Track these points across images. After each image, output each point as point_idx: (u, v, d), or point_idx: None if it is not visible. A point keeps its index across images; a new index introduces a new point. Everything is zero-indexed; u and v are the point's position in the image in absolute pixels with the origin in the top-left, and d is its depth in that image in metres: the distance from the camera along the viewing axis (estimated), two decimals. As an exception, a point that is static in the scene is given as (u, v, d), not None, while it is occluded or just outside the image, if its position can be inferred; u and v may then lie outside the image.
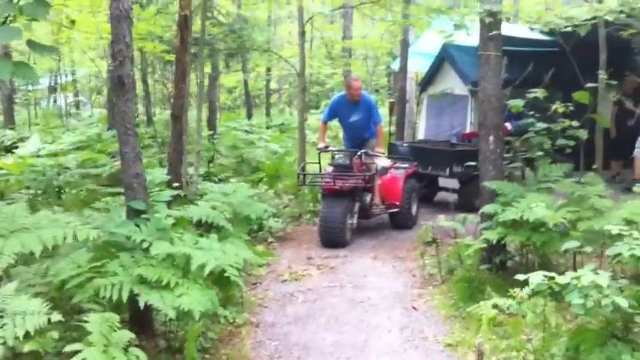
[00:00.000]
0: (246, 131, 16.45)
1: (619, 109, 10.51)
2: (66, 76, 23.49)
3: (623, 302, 3.68)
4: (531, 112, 6.81)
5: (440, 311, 5.69)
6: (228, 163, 12.42)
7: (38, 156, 10.39)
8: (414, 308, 5.82)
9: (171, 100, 8.24)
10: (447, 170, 9.69)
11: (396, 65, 16.19)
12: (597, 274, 3.81)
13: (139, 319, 4.54)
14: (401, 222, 8.81)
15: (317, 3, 22.75)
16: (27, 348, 3.05)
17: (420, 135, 14.35)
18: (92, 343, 3.08)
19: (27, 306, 3.12)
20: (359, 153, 8.19)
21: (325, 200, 8.01)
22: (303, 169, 8.96)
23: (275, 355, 4.83)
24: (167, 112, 16.73)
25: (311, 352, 4.87)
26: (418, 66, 14.77)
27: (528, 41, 11.21)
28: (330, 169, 8.24)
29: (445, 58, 13.21)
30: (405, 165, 9.32)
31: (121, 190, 7.10)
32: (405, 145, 11.24)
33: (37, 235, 3.58)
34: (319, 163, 8.68)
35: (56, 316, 3.06)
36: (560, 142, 6.47)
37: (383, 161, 8.62)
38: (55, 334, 3.19)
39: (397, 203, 8.64)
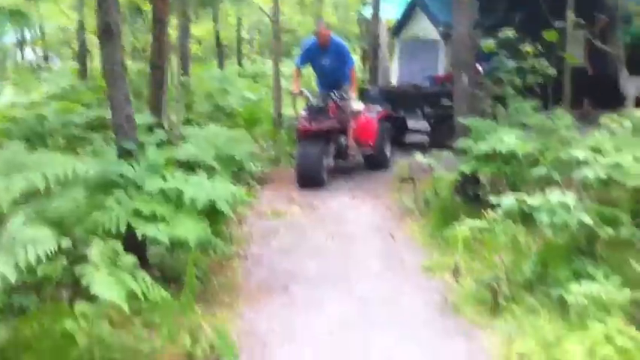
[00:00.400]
0: (219, 79, 16.47)
1: (590, 48, 10.80)
2: (34, 30, 23.05)
3: (587, 219, 4.01)
4: (502, 52, 7.05)
5: (417, 239, 6.03)
6: (204, 110, 12.53)
7: (14, 107, 10.41)
8: (392, 237, 6.14)
9: (149, 49, 8.30)
10: (419, 112, 10.03)
11: (367, 12, 16.28)
12: (564, 195, 4.12)
13: (133, 251, 4.75)
14: (376, 163, 9.06)
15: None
16: (40, 272, 3.27)
17: (394, 80, 14.57)
18: (99, 267, 3.31)
19: (37, 234, 3.32)
20: (333, 96, 8.39)
21: (301, 142, 8.20)
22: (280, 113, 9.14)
23: (264, 282, 5.12)
24: (138, 63, 16.66)
25: (297, 278, 5.17)
26: (390, 12, 14.88)
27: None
28: (304, 112, 8.42)
29: (416, 2, 13.36)
30: (378, 108, 9.50)
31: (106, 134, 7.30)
32: (375, 89, 11.38)
33: (41, 172, 3.76)
34: (294, 107, 8.88)
35: (67, 242, 3.28)
36: (530, 79, 6.73)
37: (356, 104, 8.79)
38: (64, 260, 3.41)
39: (371, 144, 8.85)
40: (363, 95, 10.69)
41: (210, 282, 5.01)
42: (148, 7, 9.63)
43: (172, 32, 12.39)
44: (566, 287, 3.91)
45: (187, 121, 10.24)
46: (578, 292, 3.63)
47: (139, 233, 4.12)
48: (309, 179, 8.02)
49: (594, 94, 10.52)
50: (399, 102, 10.14)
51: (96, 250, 3.45)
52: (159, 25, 7.85)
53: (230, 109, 13.15)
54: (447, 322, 4.35)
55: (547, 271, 4.43)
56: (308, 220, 6.74)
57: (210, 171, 5.35)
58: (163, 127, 7.47)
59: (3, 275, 3.11)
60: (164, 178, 4.57)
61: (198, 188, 4.54)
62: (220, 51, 21.75)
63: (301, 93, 8.75)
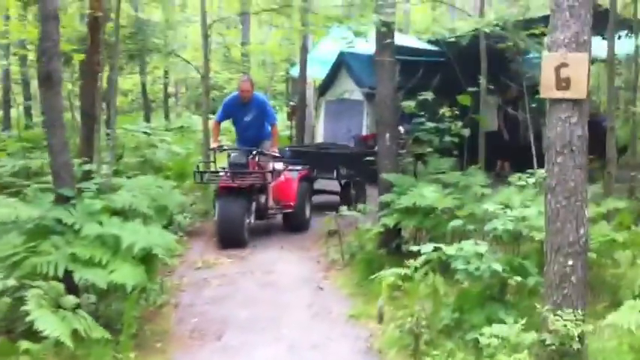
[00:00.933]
0: (146, 133, 16.52)
1: (505, 114, 11.62)
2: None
3: (498, 267, 4.41)
4: (422, 113, 7.58)
5: (343, 290, 6.30)
6: (132, 163, 12.56)
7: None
8: (320, 288, 6.39)
9: (79, 99, 8.44)
10: (334, 173, 9.90)
11: (294, 71, 16.83)
12: (477, 244, 4.52)
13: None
14: (295, 223, 8.79)
15: (215, 8, 23.09)
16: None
17: (319, 138, 15.01)
18: (43, 306, 3.43)
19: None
20: (254, 152, 8.20)
21: (222, 199, 7.90)
22: (199, 167, 8.51)
23: (196, 329, 5.26)
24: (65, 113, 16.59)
25: (229, 325, 5.34)
26: (316, 72, 15.41)
27: (418, 50, 12.15)
28: (224, 168, 8.20)
29: (342, 64, 13.94)
30: (298, 167, 9.23)
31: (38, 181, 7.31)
32: (289, 149, 10.89)
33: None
34: (214, 162, 8.52)
35: (11, 281, 3.39)
36: (447, 139, 7.26)
37: (277, 163, 8.70)
38: (8, 300, 3.50)
39: (292, 204, 8.62)
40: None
41: (142, 329, 5.10)
42: (79, 58, 9.72)
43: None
44: (480, 331, 4.25)
45: (116, 172, 10.28)
46: (489, 333, 3.97)
47: (77, 277, 4.24)
48: (231, 239, 7.78)
49: (508, 157, 11.27)
50: (311, 162, 9.71)
51: (38, 290, 3.56)
52: (91, 75, 8.04)
53: (158, 162, 13.23)
54: (372, 364, 4.62)
55: (463, 317, 4.78)
56: (238, 271, 6.92)
57: (144, 219, 5.50)
58: (93, 176, 7.55)
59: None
60: (101, 224, 4.71)
61: (135, 234, 4.70)
62: (147, 104, 21.83)
63: (220, 148, 8.61)
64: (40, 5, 4.84)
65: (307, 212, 9.04)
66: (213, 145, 8.63)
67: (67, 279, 4.32)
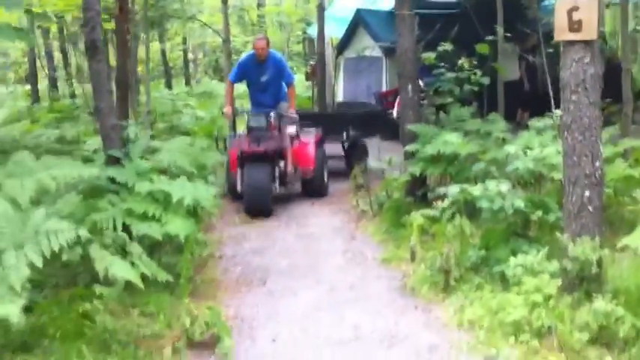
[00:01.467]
0: (171, 100, 16.94)
1: (526, 63, 11.77)
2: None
3: (521, 203, 4.74)
4: (442, 64, 7.83)
5: (374, 237, 6.68)
6: (161, 127, 12.98)
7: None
8: (352, 237, 6.78)
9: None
10: (345, 135, 9.71)
11: (312, 31, 16.99)
12: (500, 183, 4.85)
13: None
14: (315, 189, 8.50)
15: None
16: (64, 257, 3.77)
17: (339, 97, 15.26)
18: (113, 253, 3.85)
19: (58, 226, 3.83)
20: (272, 114, 7.86)
21: (246, 167, 7.58)
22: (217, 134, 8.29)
23: (241, 277, 5.69)
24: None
25: (271, 273, 5.75)
26: (333, 30, 15.58)
27: (435, 3, 12.29)
28: (241, 134, 8.01)
29: (359, 21, 14.10)
30: (313, 130, 8.88)
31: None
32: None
33: (49, 174, 4.26)
34: (234, 127, 8.33)
35: (83, 232, 3.78)
36: (467, 88, 7.52)
37: (294, 126, 8.35)
38: (80, 250, 3.91)
39: (311, 168, 8.29)
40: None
41: (192, 279, 5.52)
42: (109, 27, 10.04)
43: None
44: (506, 264, 4.60)
45: (150, 137, 10.69)
46: (514, 264, 4.32)
47: (134, 230, 4.63)
48: (260, 208, 7.55)
49: (529, 107, 11.45)
50: (323, 126, 9.27)
51: (109, 239, 3.97)
52: (122, 43, 8.39)
53: (185, 127, 13.63)
54: (407, 300, 4.99)
55: (489, 253, 5.12)
56: (274, 225, 7.32)
57: (188, 177, 5.87)
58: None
59: (31, 262, 3.63)
60: (151, 181, 5.09)
61: (183, 190, 5.07)
62: (168, 71, 22.20)
63: (235, 113, 8.29)
64: (81, -22, 5.17)
65: (325, 178, 8.71)
66: (226, 109, 8.13)
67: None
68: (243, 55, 8.56)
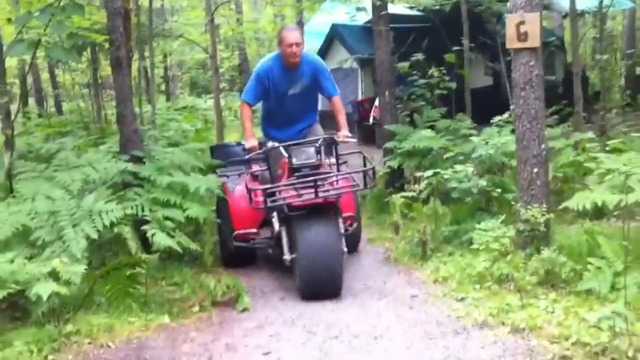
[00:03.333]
0: (157, 114, 17.72)
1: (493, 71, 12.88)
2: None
3: (484, 182, 5.71)
4: (415, 72, 8.85)
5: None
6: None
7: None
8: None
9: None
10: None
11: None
12: (467, 167, 5.82)
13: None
14: (354, 241, 6.25)
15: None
16: (115, 231, 4.65)
17: (319, 106, 16.15)
18: (156, 227, 4.74)
19: (107, 206, 4.70)
20: (321, 141, 5.44)
21: (300, 226, 5.07)
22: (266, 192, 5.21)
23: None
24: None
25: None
26: (311, 44, 16.54)
27: (408, 18, 13.34)
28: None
29: (334, 36, 15.12)
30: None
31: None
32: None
33: (93, 168, 5.13)
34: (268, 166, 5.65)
35: (130, 210, 4.65)
36: (437, 92, 8.54)
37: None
38: (127, 228, 4.79)
39: (354, 216, 6.00)
40: (217, 155, 7.25)
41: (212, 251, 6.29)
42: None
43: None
44: (473, 232, 5.53)
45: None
46: (478, 228, 5.25)
47: (160, 215, 5.49)
48: (329, 289, 5.08)
49: (492, 108, 12.51)
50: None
51: (153, 215, 4.85)
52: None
53: (173, 140, 14.46)
54: (391, 267, 5.94)
55: (459, 227, 6.08)
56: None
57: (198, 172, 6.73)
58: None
59: (87, 234, 4.51)
60: (171, 175, 5.95)
61: (197, 182, 5.92)
62: (150, 87, 22.93)
63: (263, 147, 5.62)
64: (108, 3, 6.03)
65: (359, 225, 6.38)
66: (249, 142, 5.64)
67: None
68: (262, 62, 5.81)
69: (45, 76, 20.06)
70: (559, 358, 3.57)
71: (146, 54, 16.97)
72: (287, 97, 5.70)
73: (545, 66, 12.17)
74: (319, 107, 6.32)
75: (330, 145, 5.68)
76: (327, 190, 5.17)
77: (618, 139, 6.22)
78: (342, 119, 5.73)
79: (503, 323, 4.12)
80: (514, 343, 3.83)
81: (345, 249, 5.21)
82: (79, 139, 10.53)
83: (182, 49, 21.87)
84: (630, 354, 3.43)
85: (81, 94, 17.77)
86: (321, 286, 5.02)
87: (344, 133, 5.61)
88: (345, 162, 5.82)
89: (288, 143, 5.44)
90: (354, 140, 5.63)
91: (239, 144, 5.75)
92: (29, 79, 18.85)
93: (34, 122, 14.71)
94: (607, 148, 5.35)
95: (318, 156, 5.35)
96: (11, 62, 18.80)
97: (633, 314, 3.73)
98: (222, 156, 6.92)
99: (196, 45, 15.84)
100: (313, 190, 5.00)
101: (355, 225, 5.99)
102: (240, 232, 5.84)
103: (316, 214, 5.11)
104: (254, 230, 5.88)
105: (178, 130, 15.67)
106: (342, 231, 5.28)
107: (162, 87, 24.91)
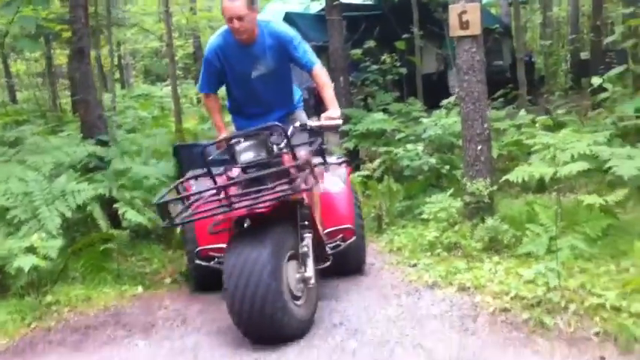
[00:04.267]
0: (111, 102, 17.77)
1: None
2: None
3: (434, 160, 6.14)
4: (367, 59, 9.25)
5: (318, 202, 7.98)
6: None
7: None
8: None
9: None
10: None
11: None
12: (417, 146, 6.24)
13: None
14: (351, 263, 5.04)
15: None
16: (88, 209, 4.92)
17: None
18: (126, 205, 5.02)
19: (78, 187, 4.97)
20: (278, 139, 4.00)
21: (235, 244, 3.79)
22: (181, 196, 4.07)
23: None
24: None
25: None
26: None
27: (359, 7, 13.71)
28: (234, 172, 4.13)
29: (289, 24, 15.38)
30: (338, 158, 5.37)
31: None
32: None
33: (64, 152, 5.39)
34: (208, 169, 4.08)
35: (101, 191, 4.93)
36: (388, 77, 8.96)
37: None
38: (98, 207, 5.07)
39: (349, 228, 4.78)
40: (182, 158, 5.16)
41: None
42: (67, 35, 10.93)
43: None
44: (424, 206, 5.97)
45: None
46: (429, 201, 5.68)
47: (127, 195, 5.75)
48: (267, 333, 3.75)
49: (441, 92, 13.05)
50: None
51: (121, 195, 5.13)
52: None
53: (130, 126, 14.58)
54: (348, 241, 6.31)
55: (412, 202, 6.51)
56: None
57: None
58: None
59: (62, 212, 4.77)
60: (132, 159, 6.21)
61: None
62: (103, 76, 22.87)
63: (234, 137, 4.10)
64: (70, -3, 6.27)
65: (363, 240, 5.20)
66: (221, 135, 4.53)
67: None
68: (209, 42, 4.60)
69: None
70: (500, 311, 3.99)
71: (101, 44, 17.19)
72: (252, 81, 4.47)
73: (493, 52, 12.77)
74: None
75: (308, 135, 4.27)
76: (256, 198, 3.66)
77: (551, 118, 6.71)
78: (327, 95, 4.29)
79: (451, 284, 4.55)
80: (460, 300, 4.26)
81: (309, 274, 3.90)
82: (38, 126, 10.65)
83: (136, 38, 21.94)
84: (562, 305, 3.88)
85: (35, 82, 17.64)
86: (255, 332, 3.75)
87: (328, 114, 4.16)
88: (344, 159, 5.18)
89: (234, 134, 4.19)
90: (339, 122, 4.19)
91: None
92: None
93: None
94: (536, 125, 5.78)
95: (271, 149, 3.91)
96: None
97: (565, 271, 4.18)
98: (190, 159, 4.73)
99: (150, 33, 15.85)
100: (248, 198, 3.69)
101: (352, 240, 4.73)
102: (205, 247, 4.50)
103: (254, 231, 3.80)
104: (222, 246, 4.06)
105: (135, 118, 15.85)
106: (306, 243, 3.96)
107: (117, 75, 24.78)
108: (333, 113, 4.17)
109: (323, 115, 4.17)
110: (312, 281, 3.92)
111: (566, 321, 3.69)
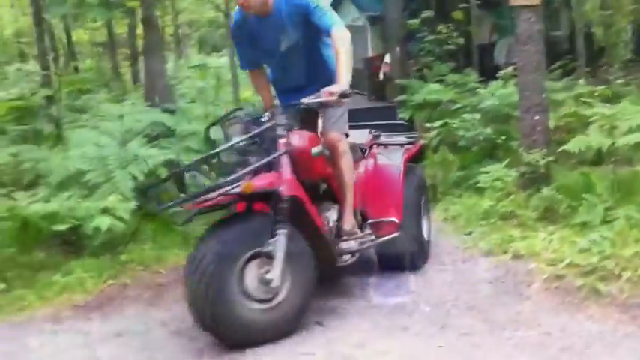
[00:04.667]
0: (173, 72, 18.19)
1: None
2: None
3: (489, 131, 6.21)
4: (424, 29, 9.29)
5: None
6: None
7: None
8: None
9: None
10: None
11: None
12: (474, 117, 6.32)
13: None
14: (401, 257, 4.43)
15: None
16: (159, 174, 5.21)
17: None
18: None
19: (149, 152, 5.25)
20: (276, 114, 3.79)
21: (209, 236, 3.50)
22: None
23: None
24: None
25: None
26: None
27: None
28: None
29: (344, -6, 15.46)
30: (403, 139, 4.97)
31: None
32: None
33: (135, 118, 5.66)
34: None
35: (170, 155, 5.19)
36: (445, 48, 8.99)
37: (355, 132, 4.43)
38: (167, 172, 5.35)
39: (396, 221, 4.33)
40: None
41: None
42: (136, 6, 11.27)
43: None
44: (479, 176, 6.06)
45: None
46: (484, 171, 5.77)
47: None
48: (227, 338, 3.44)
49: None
50: None
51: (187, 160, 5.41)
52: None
53: (190, 96, 14.94)
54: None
55: (466, 173, 6.60)
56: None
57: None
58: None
59: (135, 176, 5.06)
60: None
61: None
62: (163, 46, 23.38)
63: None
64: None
65: (425, 231, 4.89)
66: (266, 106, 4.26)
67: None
68: (232, 15, 4.52)
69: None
70: (554, 278, 4.10)
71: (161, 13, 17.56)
72: (281, 55, 4.12)
73: (552, 22, 12.56)
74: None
75: (305, 115, 3.89)
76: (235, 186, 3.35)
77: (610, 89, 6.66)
78: (338, 63, 3.71)
79: (505, 251, 4.66)
80: (515, 267, 4.38)
81: (272, 278, 3.36)
82: (102, 95, 11.06)
83: (193, 8, 22.26)
84: (616, 272, 3.96)
85: (97, 52, 18.18)
86: (209, 331, 3.44)
87: (329, 88, 3.62)
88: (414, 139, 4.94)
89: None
90: (347, 100, 3.63)
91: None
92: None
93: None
94: (595, 94, 5.76)
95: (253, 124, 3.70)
96: (24, 22, 19.26)
97: (620, 240, 4.25)
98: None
99: (208, 2, 16.09)
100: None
101: (395, 235, 4.26)
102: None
103: (228, 222, 3.56)
104: None
105: (193, 87, 16.22)
106: (299, 249, 3.52)
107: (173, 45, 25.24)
108: (334, 87, 3.61)
109: (323, 90, 3.65)
110: (275, 284, 3.38)
111: (619, 288, 3.78)
